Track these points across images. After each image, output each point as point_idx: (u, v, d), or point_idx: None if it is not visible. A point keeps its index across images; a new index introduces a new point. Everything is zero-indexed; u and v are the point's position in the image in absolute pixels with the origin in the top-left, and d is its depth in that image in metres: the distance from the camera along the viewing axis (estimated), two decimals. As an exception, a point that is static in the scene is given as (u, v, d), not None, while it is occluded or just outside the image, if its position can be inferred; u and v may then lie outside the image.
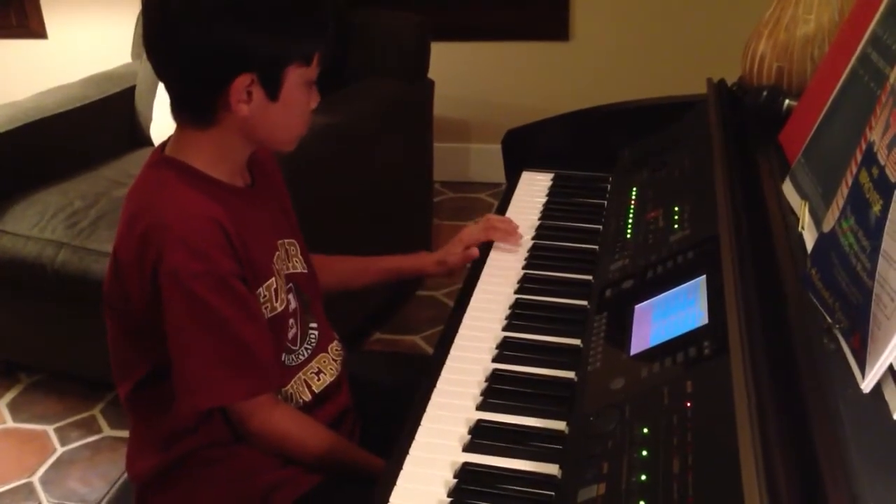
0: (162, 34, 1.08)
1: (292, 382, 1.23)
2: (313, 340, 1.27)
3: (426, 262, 1.47)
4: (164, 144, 1.16)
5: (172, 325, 1.08)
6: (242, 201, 1.15)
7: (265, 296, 1.16)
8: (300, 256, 1.28)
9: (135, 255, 1.08)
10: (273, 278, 1.17)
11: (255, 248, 1.14)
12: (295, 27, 1.08)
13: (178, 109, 1.12)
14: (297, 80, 1.10)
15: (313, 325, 1.28)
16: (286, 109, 1.11)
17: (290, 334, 1.23)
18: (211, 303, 1.07)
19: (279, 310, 1.18)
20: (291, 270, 1.24)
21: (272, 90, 1.08)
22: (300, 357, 1.25)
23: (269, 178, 1.26)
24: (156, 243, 1.05)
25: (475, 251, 1.41)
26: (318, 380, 1.26)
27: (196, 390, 1.10)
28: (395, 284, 2.55)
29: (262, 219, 1.19)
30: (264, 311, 1.15)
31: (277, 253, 1.20)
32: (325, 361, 1.28)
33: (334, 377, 1.29)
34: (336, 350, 1.31)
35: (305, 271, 1.28)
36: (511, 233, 1.42)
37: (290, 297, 1.23)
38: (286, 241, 1.25)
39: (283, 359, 1.21)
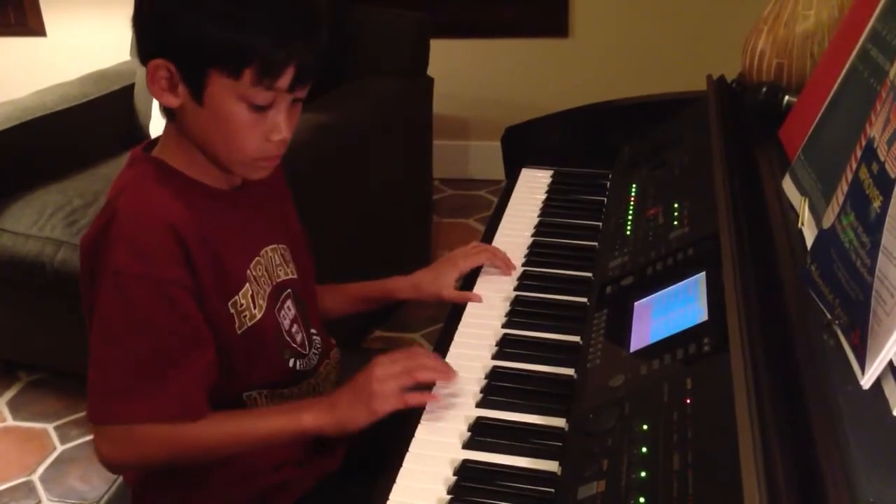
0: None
1: (298, 387, 1.21)
2: (318, 345, 1.26)
3: (402, 287, 1.37)
4: (144, 144, 1.14)
5: (99, 323, 1.03)
6: (220, 204, 1.11)
7: (242, 304, 1.11)
8: (293, 262, 1.24)
9: (89, 249, 1.05)
10: (247, 285, 1.12)
11: (228, 255, 1.10)
12: (222, 21, 0.98)
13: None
14: (225, 90, 1.00)
15: (313, 330, 1.27)
16: (217, 122, 1.02)
17: (298, 339, 1.21)
18: (144, 308, 1.02)
19: (258, 317, 1.13)
20: (284, 277, 1.20)
21: (193, 89, 1.01)
22: (312, 361, 1.23)
23: (266, 181, 1.21)
24: (109, 238, 1.02)
25: (479, 297, 1.30)
26: (322, 388, 1.25)
27: (110, 399, 1.04)
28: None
29: (244, 223, 1.15)
30: (242, 320, 1.11)
31: (258, 259, 1.16)
32: (329, 368, 1.28)
33: (333, 386, 1.28)
34: (335, 358, 1.31)
35: (296, 277, 1.24)
36: (506, 262, 1.35)
37: (290, 303, 1.21)
38: (280, 246, 1.21)
39: (293, 364, 1.19)
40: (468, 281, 1.36)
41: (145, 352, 1.04)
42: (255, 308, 1.13)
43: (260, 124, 1.04)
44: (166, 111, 1.07)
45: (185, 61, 1.00)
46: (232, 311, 1.10)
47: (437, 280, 1.35)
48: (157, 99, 1.04)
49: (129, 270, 1.01)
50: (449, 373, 1.09)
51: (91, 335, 1.04)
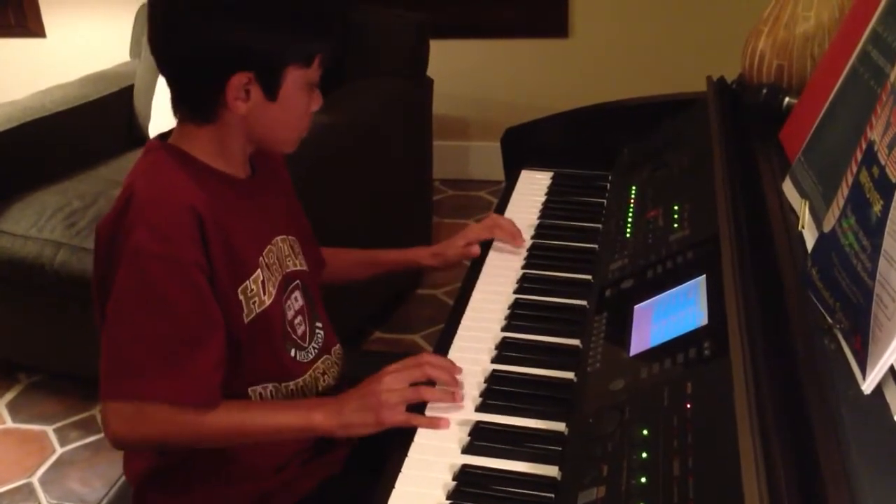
0: (162, 29, 1.08)
1: (302, 378, 1.22)
2: (320, 340, 1.27)
3: (422, 255, 1.47)
4: (160, 135, 1.15)
5: (116, 302, 1.04)
6: (237, 192, 1.14)
7: (252, 289, 1.13)
8: (302, 254, 1.27)
9: (107, 232, 1.06)
10: (259, 270, 1.14)
11: (242, 240, 1.12)
12: (294, 27, 1.07)
13: (177, 104, 1.12)
14: (297, 82, 1.09)
15: (319, 324, 1.28)
16: (285, 110, 1.10)
17: (300, 331, 1.22)
18: (162, 288, 1.03)
19: (267, 304, 1.15)
20: (293, 268, 1.23)
21: (270, 90, 1.08)
22: (310, 355, 1.24)
23: (275, 173, 1.26)
24: (128, 221, 1.03)
25: (476, 249, 1.42)
26: (323, 381, 1.26)
27: (125, 376, 1.04)
28: (394, 282, 2.56)
29: (257, 211, 1.17)
30: (251, 307, 1.12)
31: (270, 247, 1.18)
32: (328, 364, 1.28)
33: (334, 381, 1.28)
34: (338, 354, 1.31)
35: (306, 269, 1.27)
36: (515, 234, 1.43)
37: (298, 294, 1.22)
38: (290, 237, 1.24)
39: (294, 354, 1.20)
40: (469, 282, 1.36)
41: (161, 332, 1.05)
42: (264, 294, 1.14)
43: (309, 101, 1.13)
44: (201, 115, 1.09)
45: (265, 68, 1.06)
46: (241, 297, 1.11)
47: (447, 245, 1.45)
48: (234, 110, 1.07)
49: (148, 250, 1.02)
50: (455, 395, 1.07)
51: (106, 314, 1.05)
